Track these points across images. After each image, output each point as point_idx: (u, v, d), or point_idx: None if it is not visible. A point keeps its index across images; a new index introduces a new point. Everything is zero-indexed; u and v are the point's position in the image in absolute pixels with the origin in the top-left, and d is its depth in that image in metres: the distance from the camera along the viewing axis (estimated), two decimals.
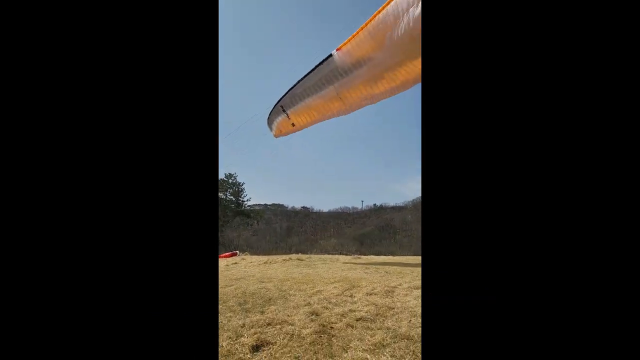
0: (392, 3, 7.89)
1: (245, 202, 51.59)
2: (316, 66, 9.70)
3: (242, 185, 50.83)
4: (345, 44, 9.22)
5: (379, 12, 8.29)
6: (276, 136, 12.33)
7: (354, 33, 9.01)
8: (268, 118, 12.11)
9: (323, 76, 9.93)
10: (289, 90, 10.62)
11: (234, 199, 49.69)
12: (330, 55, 9.38)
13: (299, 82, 10.35)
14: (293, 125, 11.62)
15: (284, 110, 11.25)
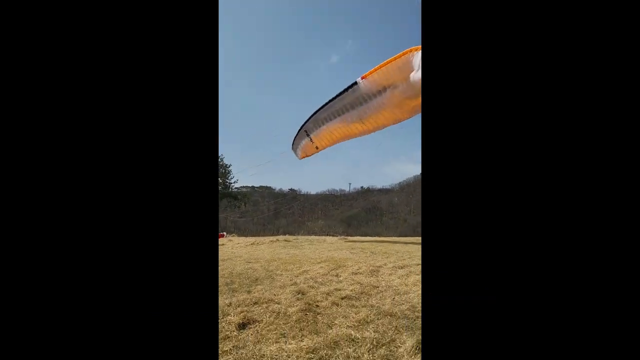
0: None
1: (233, 184, 51.29)
2: (340, 93, 10.72)
3: (229, 167, 50.40)
4: (371, 73, 10.32)
5: (410, 52, 9.24)
6: (301, 158, 13.83)
7: (382, 64, 10.08)
8: (293, 142, 13.39)
9: (347, 102, 11.00)
10: (312, 116, 11.65)
11: (220, 180, 49.32)
12: (355, 83, 10.40)
13: (322, 107, 11.43)
14: (317, 148, 12.90)
15: (307, 135, 12.26)
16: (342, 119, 11.46)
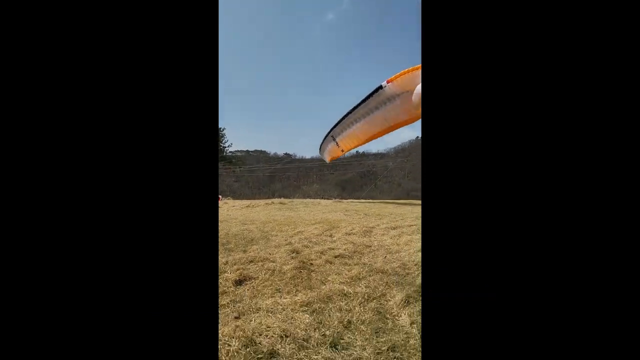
0: None
1: (227, 148, 50.91)
2: (366, 98, 11.46)
3: (223, 130, 49.78)
4: (397, 77, 10.90)
5: None
6: (329, 161, 15.10)
7: (407, 70, 10.72)
8: (320, 146, 14.48)
9: (373, 105, 11.65)
10: (338, 122, 12.54)
11: None
12: (381, 87, 10.96)
13: (348, 113, 12.23)
14: (342, 151, 14.04)
15: (334, 139, 13.23)
16: (367, 121, 12.22)
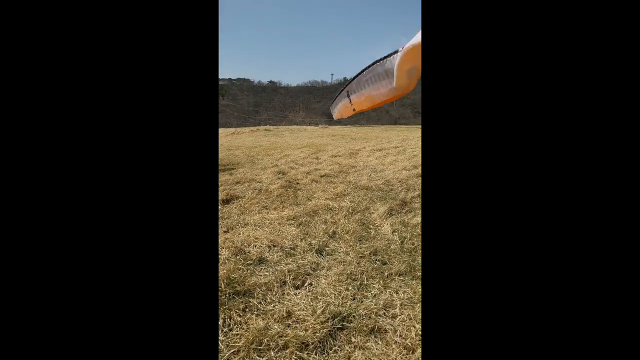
0: None
1: None
2: (383, 58, 9.95)
3: None
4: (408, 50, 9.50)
5: None
6: (336, 118, 13.38)
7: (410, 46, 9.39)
8: (332, 102, 12.93)
9: (387, 69, 10.17)
10: (355, 77, 10.88)
11: None
12: (397, 51, 9.59)
13: (364, 70, 10.54)
14: (354, 110, 12.45)
15: (348, 95, 11.66)
16: (381, 84, 11.15)
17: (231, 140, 9.93)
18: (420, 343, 1.65)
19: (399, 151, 7.15)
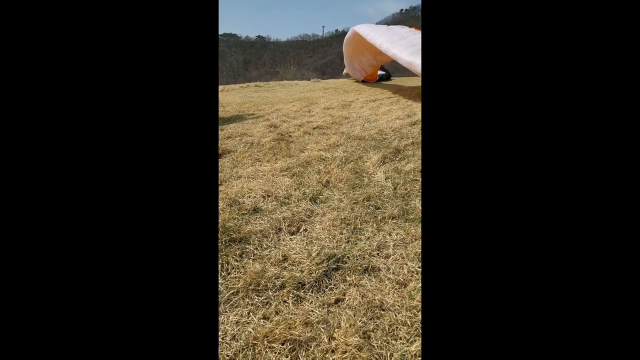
0: None
1: None
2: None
3: None
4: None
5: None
6: (344, 73, 12.88)
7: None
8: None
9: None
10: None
11: None
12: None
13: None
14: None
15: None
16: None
17: (221, 97, 9.67)
18: (412, 278, 1.70)
19: (393, 101, 7.02)
